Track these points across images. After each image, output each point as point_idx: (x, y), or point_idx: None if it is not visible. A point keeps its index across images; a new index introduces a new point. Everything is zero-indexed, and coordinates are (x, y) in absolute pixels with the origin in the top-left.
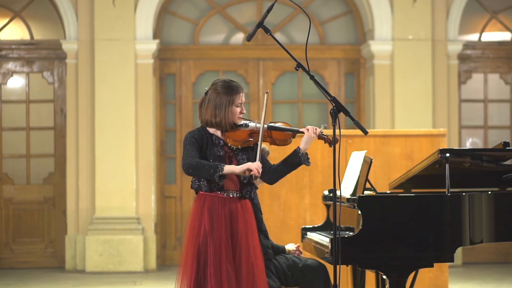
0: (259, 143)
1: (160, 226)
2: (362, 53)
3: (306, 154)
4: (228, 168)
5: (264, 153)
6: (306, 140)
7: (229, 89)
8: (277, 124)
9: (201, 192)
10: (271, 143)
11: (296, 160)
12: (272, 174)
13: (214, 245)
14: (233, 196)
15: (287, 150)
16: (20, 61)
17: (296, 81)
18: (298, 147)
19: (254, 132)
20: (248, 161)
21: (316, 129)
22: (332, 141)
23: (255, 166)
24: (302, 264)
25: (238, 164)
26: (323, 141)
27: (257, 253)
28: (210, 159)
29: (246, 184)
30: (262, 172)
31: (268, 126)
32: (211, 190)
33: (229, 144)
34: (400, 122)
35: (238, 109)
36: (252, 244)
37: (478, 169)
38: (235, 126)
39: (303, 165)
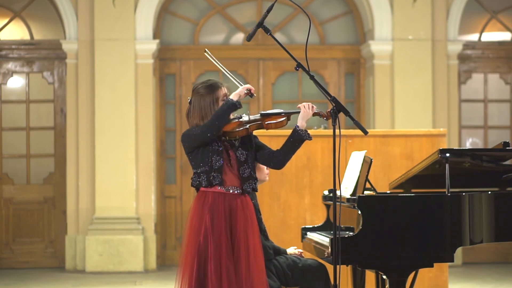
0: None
1: (160, 226)
2: (362, 53)
3: (306, 130)
4: (235, 96)
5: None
6: (302, 116)
7: (209, 88)
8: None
9: (202, 189)
10: (266, 128)
11: (297, 136)
12: (278, 156)
13: (215, 243)
14: (233, 192)
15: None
16: (20, 61)
17: (296, 81)
18: (296, 125)
19: (248, 122)
20: (247, 157)
21: (311, 106)
22: (328, 116)
23: (249, 86)
24: (302, 264)
25: (237, 159)
26: (319, 117)
27: (256, 250)
28: (209, 154)
29: (246, 178)
30: (266, 158)
31: (260, 113)
32: (211, 184)
33: (227, 138)
34: (400, 122)
35: None
36: (252, 242)
37: (478, 169)
38: (228, 121)
39: (304, 165)
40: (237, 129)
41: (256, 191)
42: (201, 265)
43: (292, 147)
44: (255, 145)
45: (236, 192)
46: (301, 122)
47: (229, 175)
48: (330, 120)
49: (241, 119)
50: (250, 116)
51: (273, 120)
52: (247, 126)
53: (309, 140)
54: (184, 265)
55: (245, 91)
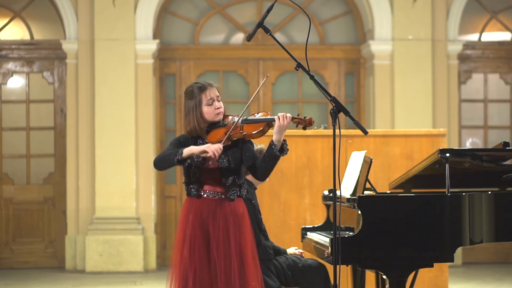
0: (230, 130)
1: (160, 226)
2: (362, 53)
3: (282, 143)
4: (187, 151)
5: (257, 150)
6: (278, 130)
7: (192, 92)
8: (255, 116)
9: (187, 197)
10: (246, 138)
11: (271, 152)
12: (258, 170)
13: (191, 250)
14: (219, 197)
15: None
16: (20, 61)
17: (296, 81)
18: (272, 140)
19: (229, 130)
20: (229, 163)
21: (286, 116)
22: (307, 123)
23: (212, 149)
24: (302, 264)
25: (219, 167)
26: (299, 125)
27: (244, 250)
28: (188, 166)
29: (230, 186)
30: (254, 169)
31: (242, 120)
32: (190, 194)
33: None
34: (400, 122)
35: (211, 107)
36: (234, 241)
37: (478, 169)
38: (213, 126)
39: (304, 165)
40: (219, 140)
41: (242, 197)
42: (183, 270)
43: (269, 162)
44: (243, 149)
45: (217, 197)
46: (276, 136)
47: (212, 184)
48: (330, 120)
49: (224, 127)
50: (234, 119)
51: (251, 130)
52: (224, 139)
53: (283, 155)
54: (172, 271)
55: (205, 153)
